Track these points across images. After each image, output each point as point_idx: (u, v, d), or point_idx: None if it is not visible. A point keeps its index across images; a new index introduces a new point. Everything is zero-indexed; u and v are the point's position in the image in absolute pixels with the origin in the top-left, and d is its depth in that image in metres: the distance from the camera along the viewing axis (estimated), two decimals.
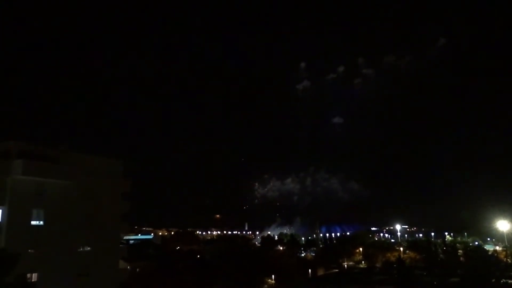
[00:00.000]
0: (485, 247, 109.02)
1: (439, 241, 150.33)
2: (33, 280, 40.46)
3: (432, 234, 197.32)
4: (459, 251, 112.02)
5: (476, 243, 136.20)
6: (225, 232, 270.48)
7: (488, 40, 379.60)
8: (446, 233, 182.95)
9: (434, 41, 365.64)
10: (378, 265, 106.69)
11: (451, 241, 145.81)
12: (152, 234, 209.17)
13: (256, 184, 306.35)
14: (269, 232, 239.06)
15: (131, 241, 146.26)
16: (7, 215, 41.70)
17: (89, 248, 48.92)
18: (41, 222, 44.68)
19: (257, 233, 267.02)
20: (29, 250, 42.15)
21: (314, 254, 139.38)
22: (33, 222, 44.11)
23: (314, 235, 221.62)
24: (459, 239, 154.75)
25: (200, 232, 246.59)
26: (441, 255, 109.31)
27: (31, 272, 40.05)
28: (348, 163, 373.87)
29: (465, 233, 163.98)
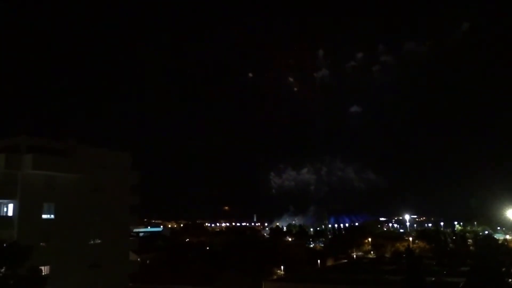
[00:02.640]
0: (495, 236, 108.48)
1: (448, 230, 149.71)
2: (45, 273, 41.02)
3: (441, 223, 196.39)
4: (469, 240, 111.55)
5: (486, 232, 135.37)
6: (233, 223, 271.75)
7: None
8: (456, 222, 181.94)
9: (456, 26, 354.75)
10: (387, 255, 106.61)
11: (460, 230, 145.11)
12: (161, 226, 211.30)
13: (272, 173, 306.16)
14: (277, 224, 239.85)
15: (141, 234, 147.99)
16: (19, 209, 42.25)
17: (99, 241, 49.44)
18: (52, 216, 45.19)
19: (266, 224, 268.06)
20: (41, 243, 42.68)
21: (323, 245, 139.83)
22: (44, 216, 44.61)
23: (323, 226, 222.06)
24: (468, 228, 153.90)
25: (208, 224, 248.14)
26: (450, 245, 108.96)
27: (44, 265, 40.48)
28: (364, 153, 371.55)
29: (475, 222, 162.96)
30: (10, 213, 43.25)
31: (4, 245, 30.18)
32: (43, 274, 33.05)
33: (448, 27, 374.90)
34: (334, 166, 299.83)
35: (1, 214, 43.84)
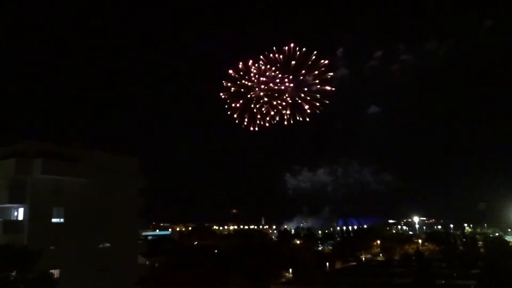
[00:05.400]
0: (505, 238, 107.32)
1: (458, 232, 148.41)
2: (55, 276, 41.32)
3: (451, 225, 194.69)
4: (479, 242, 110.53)
5: (497, 234, 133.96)
6: (241, 226, 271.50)
7: None
8: (465, 225, 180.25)
9: (479, 23, 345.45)
10: (396, 257, 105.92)
11: (470, 232, 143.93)
12: (169, 229, 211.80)
13: (287, 174, 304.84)
14: (285, 226, 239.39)
15: (149, 237, 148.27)
16: (29, 213, 42.72)
17: (108, 244, 49.75)
18: (62, 220, 45.63)
19: (274, 227, 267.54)
20: (51, 247, 43.03)
21: (331, 248, 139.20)
22: (53, 220, 45.07)
23: (331, 229, 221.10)
24: (478, 230, 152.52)
25: (216, 227, 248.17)
26: (460, 247, 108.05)
27: (53, 269, 40.89)
28: (381, 154, 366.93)
29: (485, 224, 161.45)
30: (20, 217, 43.77)
31: (15, 249, 30.51)
32: (53, 277, 33.33)
33: (470, 25, 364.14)
34: (351, 167, 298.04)
35: (12, 219, 44.36)
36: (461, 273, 61.27)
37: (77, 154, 47.70)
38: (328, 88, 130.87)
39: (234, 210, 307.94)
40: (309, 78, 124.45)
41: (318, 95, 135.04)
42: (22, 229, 42.09)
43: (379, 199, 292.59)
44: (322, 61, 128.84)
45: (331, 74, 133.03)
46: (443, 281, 54.26)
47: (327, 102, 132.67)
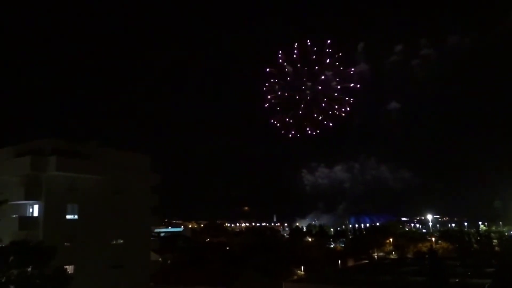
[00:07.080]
0: None
1: (472, 230, 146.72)
2: (70, 272, 41.88)
3: (465, 223, 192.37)
4: (494, 241, 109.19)
5: None
6: (253, 224, 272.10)
7: None
8: (480, 223, 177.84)
9: (503, 16, 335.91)
10: (409, 255, 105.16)
11: (485, 230, 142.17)
12: (182, 226, 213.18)
13: (304, 170, 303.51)
14: (297, 224, 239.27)
15: (162, 234, 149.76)
16: (44, 210, 43.31)
17: (121, 241, 50.24)
18: (76, 216, 46.17)
19: (286, 224, 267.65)
20: (65, 243, 43.66)
21: (343, 245, 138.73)
22: (68, 216, 45.63)
23: (343, 226, 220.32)
24: (493, 228, 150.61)
25: (228, 224, 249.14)
26: (475, 245, 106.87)
27: (68, 265, 41.35)
28: (400, 151, 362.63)
29: (500, 222, 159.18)
30: (35, 214, 44.44)
31: (31, 245, 30.98)
32: (67, 273, 33.75)
33: (493, 18, 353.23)
34: (368, 164, 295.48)
35: (27, 215, 45.08)
36: (475, 272, 60.42)
37: (91, 152, 48.21)
38: (351, 85, 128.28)
39: (246, 208, 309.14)
40: (329, 74, 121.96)
41: (336, 93, 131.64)
42: (37, 226, 42.73)
43: (394, 196, 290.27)
44: (340, 54, 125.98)
45: (352, 69, 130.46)
46: (457, 280, 53.59)
47: (351, 99, 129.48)
